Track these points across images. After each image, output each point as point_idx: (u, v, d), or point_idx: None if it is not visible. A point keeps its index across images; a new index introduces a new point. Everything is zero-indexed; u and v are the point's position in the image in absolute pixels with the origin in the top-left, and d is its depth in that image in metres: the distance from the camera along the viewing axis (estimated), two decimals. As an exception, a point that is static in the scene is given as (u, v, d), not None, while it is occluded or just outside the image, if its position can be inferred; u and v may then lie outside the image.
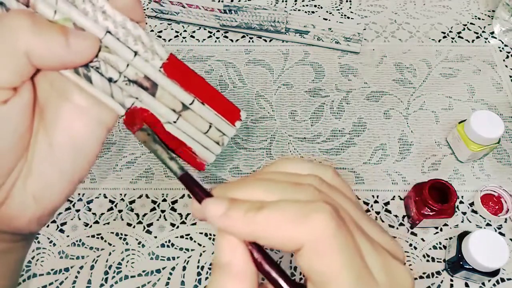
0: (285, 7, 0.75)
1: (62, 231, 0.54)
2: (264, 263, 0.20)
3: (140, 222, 0.55)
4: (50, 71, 0.22)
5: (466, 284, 0.50)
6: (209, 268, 0.52)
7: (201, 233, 0.54)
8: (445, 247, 0.53)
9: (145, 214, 0.55)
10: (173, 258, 0.52)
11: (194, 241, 0.53)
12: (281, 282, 0.20)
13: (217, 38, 0.71)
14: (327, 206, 0.19)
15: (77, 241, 0.53)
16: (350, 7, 0.75)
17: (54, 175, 0.23)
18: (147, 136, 0.23)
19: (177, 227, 0.54)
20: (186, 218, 0.55)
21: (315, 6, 0.75)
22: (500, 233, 0.54)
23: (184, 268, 0.52)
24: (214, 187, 0.22)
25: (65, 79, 0.22)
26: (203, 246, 0.53)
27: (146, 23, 0.73)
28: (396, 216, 0.55)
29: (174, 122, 0.24)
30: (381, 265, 0.19)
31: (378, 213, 0.55)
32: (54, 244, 0.53)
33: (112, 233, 0.54)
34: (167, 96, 0.23)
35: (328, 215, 0.19)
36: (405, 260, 0.21)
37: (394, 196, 0.56)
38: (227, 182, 0.23)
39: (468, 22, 0.73)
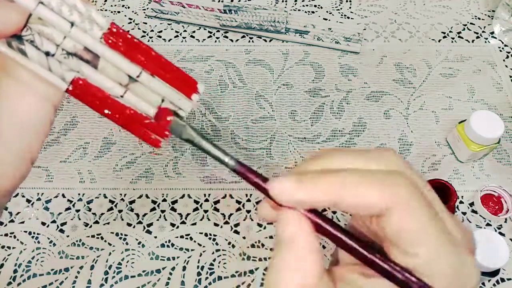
0: (285, 7, 0.75)
1: (62, 231, 0.54)
2: (334, 230, 0.20)
3: (140, 222, 0.55)
4: None
5: (466, 284, 0.50)
6: (209, 268, 0.52)
7: (201, 233, 0.54)
8: (445, 247, 0.53)
9: (145, 214, 0.55)
10: (173, 258, 0.52)
11: (194, 241, 0.53)
12: (355, 245, 0.20)
13: (217, 38, 0.71)
14: (406, 180, 0.19)
15: (77, 241, 0.53)
16: (350, 7, 0.75)
17: (2, 153, 0.22)
18: (193, 132, 0.22)
19: (177, 227, 0.54)
20: (186, 218, 0.55)
21: (315, 6, 0.75)
22: (500, 233, 0.54)
23: (184, 268, 0.52)
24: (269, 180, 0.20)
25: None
26: (203, 246, 0.53)
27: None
28: (396, 216, 0.55)
29: (121, 96, 0.22)
30: (460, 230, 0.20)
31: (378, 213, 0.55)
32: (54, 244, 0.53)
33: (112, 233, 0.54)
34: (110, 68, 0.22)
35: (411, 187, 0.18)
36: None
37: (394, 196, 0.56)
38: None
39: (468, 22, 0.73)
